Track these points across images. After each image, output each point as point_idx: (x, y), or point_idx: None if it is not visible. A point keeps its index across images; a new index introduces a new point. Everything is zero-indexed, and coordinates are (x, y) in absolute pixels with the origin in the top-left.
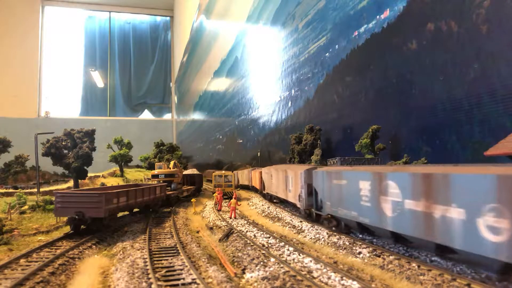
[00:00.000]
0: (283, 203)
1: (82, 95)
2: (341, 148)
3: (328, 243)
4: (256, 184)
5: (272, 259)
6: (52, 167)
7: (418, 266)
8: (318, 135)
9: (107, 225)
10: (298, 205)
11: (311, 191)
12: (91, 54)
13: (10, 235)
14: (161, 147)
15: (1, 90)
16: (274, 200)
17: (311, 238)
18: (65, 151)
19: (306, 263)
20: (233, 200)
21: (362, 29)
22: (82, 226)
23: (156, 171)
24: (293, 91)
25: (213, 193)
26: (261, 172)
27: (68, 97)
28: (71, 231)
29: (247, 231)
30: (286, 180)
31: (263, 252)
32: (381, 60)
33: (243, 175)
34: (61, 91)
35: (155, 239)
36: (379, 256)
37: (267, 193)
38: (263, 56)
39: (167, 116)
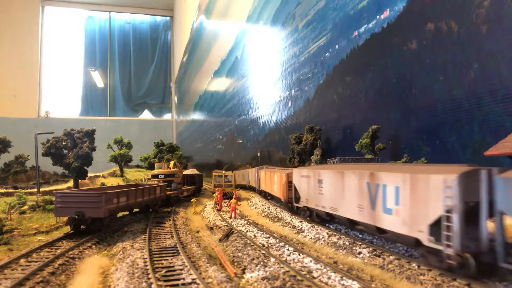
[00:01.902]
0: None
1: (82, 95)
2: (341, 148)
3: (328, 243)
4: (280, 191)
5: (272, 259)
6: (52, 167)
7: (418, 266)
8: (318, 135)
9: (107, 225)
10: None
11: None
12: (91, 54)
13: (10, 235)
14: (161, 147)
15: (1, 90)
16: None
17: (311, 238)
18: (65, 151)
19: (306, 263)
20: (233, 200)
21: (362, 29)
22: (82, 226)
23: (156, 171)
24: (293, 91)
25: (213, 193)
26: (288, 175)
27: (68, 97)
28: (71, 231)
29: (247, 231)
30: (372, 192)
31: (263, 252)
32: (381, 60)
33: (246, 176)
34: (61, 91)
35: (155, 239)
36: (379, 256)
37: (308, 207)
38: (263, 56)
39: (167, 116)
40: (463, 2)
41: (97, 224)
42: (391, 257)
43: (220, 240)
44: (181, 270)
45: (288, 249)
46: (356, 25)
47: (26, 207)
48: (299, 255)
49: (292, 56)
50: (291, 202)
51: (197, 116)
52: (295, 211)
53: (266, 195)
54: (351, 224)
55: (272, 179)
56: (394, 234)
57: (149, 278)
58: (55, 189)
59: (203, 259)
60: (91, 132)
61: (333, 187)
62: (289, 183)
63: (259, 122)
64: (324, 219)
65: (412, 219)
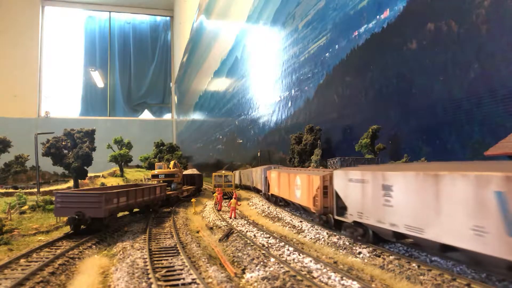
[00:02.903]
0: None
1: (82, 95)
2: (341, 148)
3: (328, 243)
4: (307, 198)
5: (272, 259)
6: (52, 167)
7: (418, 266)
8: (318, 135)
9: (107, 225)
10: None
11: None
12: (91, 54)
13: (10, 235)
14: (161, 147)
15: (1, 90)
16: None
17: (311, 238)
18: (65, 151)
19: (306, 263)
20: (233, 200)
21: (362, 29)
22: (82, 226)
23: (156, 171)
24: (293, 91)
25: (213, 193)
26: (324, 178)
27: (68, 97)
28: (71, 231)
29: (247, 231)
30: (510, 208)
31: (263, 252)
32: (381, 60)
33: (251, 176)
34: (61, 91)
35: (155, 239)
36: (379, 256)
37: (361, 223)
38: (263, 56)
39: (167, 116)
40: (463, 2)
41: (97, 224)
42: (391, 257)
43: (220, 240)
44: (181, 270)
45: (288, 249)
46: (356, 25)
47: (26, 207)
48: (299, 255)
49: (292, 56)
50: (326, 214)
51: (197, 116)
52: (335, 226)
53: (277, 201)
54: (444, 251)
55: (293, 182)
56: None
57: (149, 278)
58: (55, 189)
59: (203, 259)
60: (91, 132)
61: (415, 197)
62: (325, 188)
63: (259, 122)
64: (389, 240)
65: None
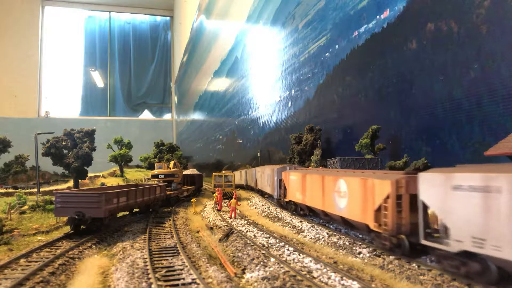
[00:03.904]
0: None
1: (82, 95)
2: (341, 148)
3: (328, 243)
4: (368, 214)
5: (272, 259)
6: (52, 167)
7: (418, 266)
8: (318, 135)
9: (107, 225)
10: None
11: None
12: (91, 54)
13: (10, 235)
14: (161, 147)
15: (1, 90)
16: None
17: (311, 238)
18: (65, 151)
19: (306, 263)
20: (233, 200)
21: (362, 29)
22: (82, 226)
23: (156, 171)
24: (293, 91)
25: (213, 193)
26: (399, 183)
27: (68, 97)
28: (71, 231)
29: (247, 231)
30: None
31: (263, 252)
32: (381, 60)
33: (254, 176)
34: (61, 91)
35: (155, 239)
36: (379, 256)
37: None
38: (263, 56)
39: (167, 116)
40: (463, 2)
41: (97, 224)
42: (391, 257)
43: (220, 240)
44: (181, 270)
45: (288, 249)
46: (356, 25)
47: (26, 207)
48: (299, 255)
49: (292, 56)
50: (397, 235)
51: (197, 116)
52: (410, 252)
53: (297, 209)
54: None
55: (331, 188)
56: None
57: (149, 278)
58: (55, 189)
59: (203, 259)
60: (91, 132)
61: None
62: (398, 199)
63: (259, 122)
64: None
65: None
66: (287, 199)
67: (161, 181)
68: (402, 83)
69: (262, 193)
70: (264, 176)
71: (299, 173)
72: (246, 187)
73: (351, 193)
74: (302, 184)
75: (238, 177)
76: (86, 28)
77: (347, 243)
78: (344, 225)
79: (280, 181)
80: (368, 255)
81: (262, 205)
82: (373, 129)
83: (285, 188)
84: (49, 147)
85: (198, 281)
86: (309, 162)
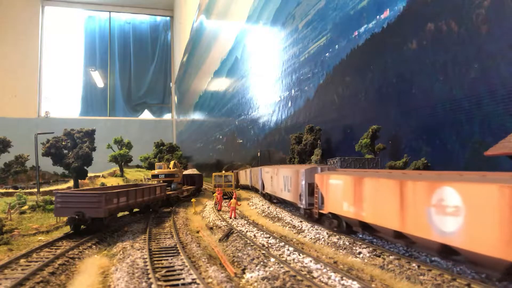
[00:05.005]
0: None
1: (82, 95)
2: (341, 148)
3: (328, 243)
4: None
5: (272, 259)
6: (52, 167)
7: (418, 266)
8: (318, 135)
9: (107, 225)
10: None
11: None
12: (91, 54)
13: (10, 235)
14: (161, 147)
15: (1, 90)
16: None
17: (311, 238)
18: (65, 151)
19: (306, 263)
20: (233, 200)
21: (362, 29)
22: (82, 226)
23: (156, 171)
24: (293, 91)
25: (213, 193)
26: None
27: (68, 97)
28: (71, 231)
29: (247, 231)
30: None
31: (263, 252)
32: (381, 60)
33: (259, 176)
34: (61, 91)
35: (155, 239)
36: (379, 256)
37: None
38: (263, 56)
39: (167, 116)
40: (463, 2)
41: (97, 224)
42: (391, 257)
43: (220, 240)
44: (181, 270)
45: (288, 249)
46: (356, 25)
47: (26, 207)
48: (299, 255)
49: (292, 56)
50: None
51: (197, 116)
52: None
53: (341, 224)
54: None
55: (416, 199)
56: None
57: (149, 278)
58: (55, 189)
59: (203, 259)
60: (91, 132)
61: None
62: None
63: (259, 122)
64: None
65: None
66: (324, 211)
67: (161, 181)
68: (402, 83)
69: (270, 198)
70: (279, 178)
71: (348, 176)
72: (251, 189)
73: (472, 209)
74: (354, 191)
75: (243, 177)
76: (86, 28)
77: (347, 243)
78: (444, 256)
79: (307, 185)
80: (368, 255)
81: (262, 205)
82: (373, 129)
83: (321, 196)
84: (49, 147)
85: (198, 281)
86: (309, 162)
